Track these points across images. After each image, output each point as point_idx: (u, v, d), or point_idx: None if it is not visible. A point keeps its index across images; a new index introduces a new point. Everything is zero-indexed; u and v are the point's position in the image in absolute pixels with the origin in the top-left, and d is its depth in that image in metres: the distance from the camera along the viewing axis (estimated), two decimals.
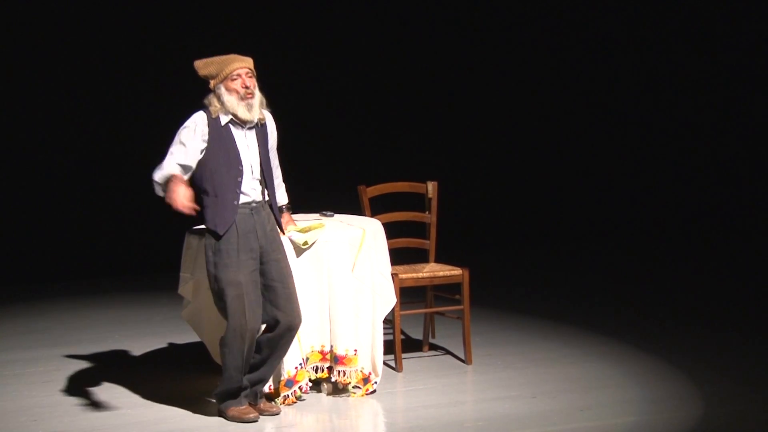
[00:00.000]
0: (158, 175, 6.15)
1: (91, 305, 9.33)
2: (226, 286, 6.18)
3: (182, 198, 6.02)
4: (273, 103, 6.46)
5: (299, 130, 10.35)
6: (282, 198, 6.64)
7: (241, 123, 6.25)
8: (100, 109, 10.52)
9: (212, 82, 6.25)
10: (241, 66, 6.23)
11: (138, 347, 7.91)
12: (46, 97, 10.38)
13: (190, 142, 6.18)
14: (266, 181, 6.32)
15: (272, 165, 6.43)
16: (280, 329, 6.29)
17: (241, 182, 6.22)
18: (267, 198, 6.36)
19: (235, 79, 6.21)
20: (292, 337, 6.37)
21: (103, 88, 10.50)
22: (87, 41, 10.44)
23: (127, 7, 10.51)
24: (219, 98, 6.23)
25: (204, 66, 6.27)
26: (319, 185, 9.59)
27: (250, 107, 6.22)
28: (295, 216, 6.78)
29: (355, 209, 7.42)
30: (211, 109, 6.24)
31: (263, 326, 6.32)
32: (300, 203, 6.92)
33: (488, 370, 7.23)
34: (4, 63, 10.29)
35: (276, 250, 6.33)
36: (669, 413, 6.35)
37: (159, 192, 6.17)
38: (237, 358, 6.21)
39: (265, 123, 6.37)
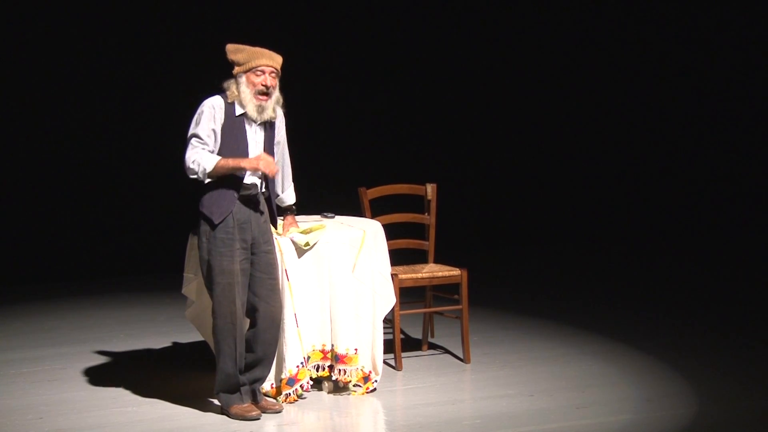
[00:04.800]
0: (200, 168, 6.16)
1: (96, 305, 9.33)
2: (219, 274, 6.21)
3: (267, 160, 6.19)
4: None
5: (300, 132, 10.39)
6: (289, 197, 6.68)
7: (252, 118, 6.30)
8: (105, 110, 10.49)
9: (236, 69, 6.25)
10: (269, 64, 6.23)
11: (142, 346, 7.93)
12: (46, 96, 10.35)
13: (211, 125, 6.21)
14: (267, 175, 6.34)
15: (280, 160, 6.48)
16: (261, 321, 6.31)
17: (244, 174, 6.26)
18: (264, 190, 6.39)
19: (259, 75, 6.22)
20: (277, 329, 6.39)
21: (104, 89, 10.48)
22: (99, 40, 10.42)
23: (128, 9, 10.54)
24: (237, 86, 6.24)
25: (234, 51, 6.27)
26: (320, 187, 9.61)
27: (261, 109, 6.24)
28: (297, 217, 6.81)
29: (356, 211, 7.44)
30: (228, 93, 6.25)
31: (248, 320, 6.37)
32: (302, 205, 6.92)
33: (486, 369, 7.26)
34: (18, 62, 10.31)
35: (267, 241, 6.36)
36: (664, 411, 6.38)
37: (204, 178, 6.20)
38: (230, 345, 6.25)
39: (275, 120, 6.40)
